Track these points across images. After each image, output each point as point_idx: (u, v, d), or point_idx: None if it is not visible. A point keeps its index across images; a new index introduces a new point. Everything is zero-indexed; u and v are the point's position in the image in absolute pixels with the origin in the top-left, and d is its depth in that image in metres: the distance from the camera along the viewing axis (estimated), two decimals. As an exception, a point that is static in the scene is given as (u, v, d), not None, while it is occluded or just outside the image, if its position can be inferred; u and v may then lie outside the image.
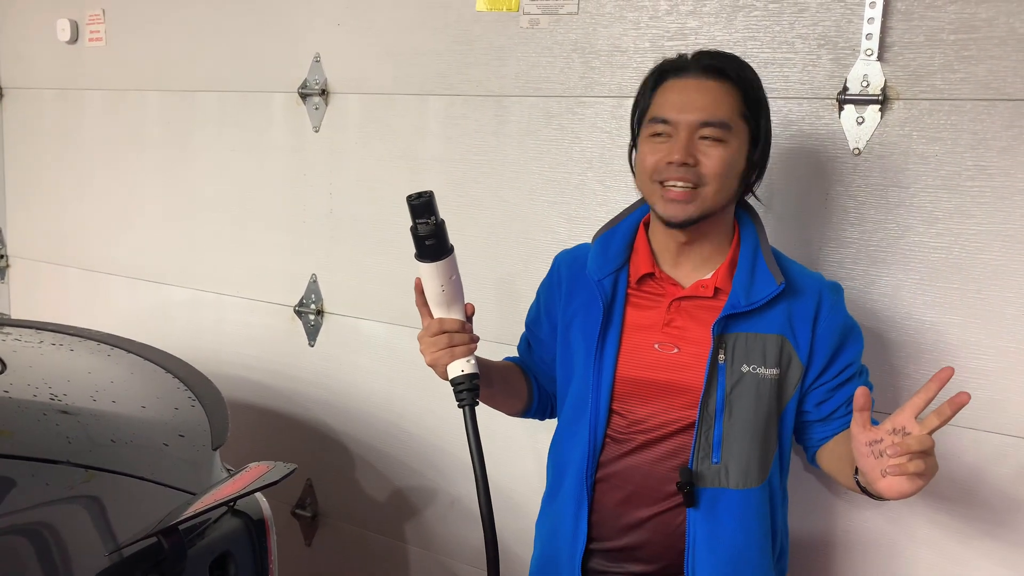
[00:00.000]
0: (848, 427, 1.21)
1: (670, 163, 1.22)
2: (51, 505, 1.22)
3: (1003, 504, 1.49)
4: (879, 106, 1.51)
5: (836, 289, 1.31)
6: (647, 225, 1.36)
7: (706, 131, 1.21)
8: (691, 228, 1.26)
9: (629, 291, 1.33)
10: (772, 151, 1.32)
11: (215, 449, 1.54)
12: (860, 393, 1.10)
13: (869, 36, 1.50)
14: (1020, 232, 1.44)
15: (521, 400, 1.48)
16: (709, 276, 1.29)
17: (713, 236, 1.29)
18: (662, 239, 1.32)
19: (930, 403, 1.09)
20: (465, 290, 1.28)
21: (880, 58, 1.50)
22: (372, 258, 2.16)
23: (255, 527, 1.44)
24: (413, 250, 1.22)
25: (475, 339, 1.28)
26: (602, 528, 1.32)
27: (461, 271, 1.26)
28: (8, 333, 1.83)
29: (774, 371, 1.25)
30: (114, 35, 2.58)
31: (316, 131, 2.20)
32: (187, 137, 2.46)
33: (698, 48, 1.30)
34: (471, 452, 1.25)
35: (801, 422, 1.33)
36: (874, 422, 1.13)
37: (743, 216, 1.33)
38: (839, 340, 1.28)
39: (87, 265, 2.75)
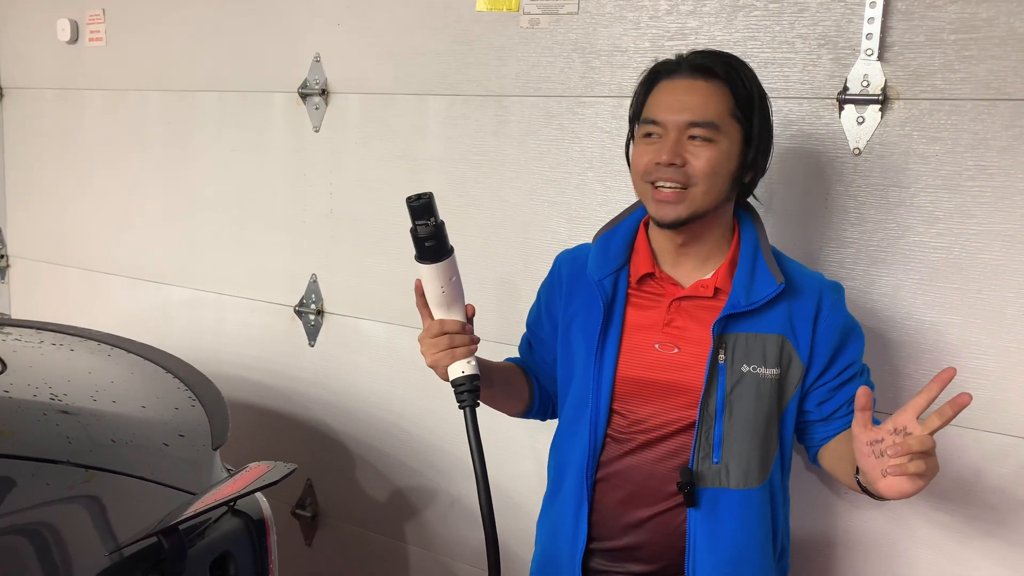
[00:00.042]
0: (849, 427, 1.21)
1: (658, 164, 1.22)
2: (51, 505, 1.22)
3: (1004, 504, 1.49)
4: (879, 106, 1.51)
5: (837, 289, 1.31)
6: (647, 225, 1.36)
7: (694, 131, 1.21)
8: (685, 228, 1.26)
9: (629, 291, 1.33)
10: (772, 151, 1.31)
11: (215, 449, 1.54)
12: (861, 393, 1.10)
13: (869, 36, 1.50)
14: (1020, 232, 1.44)
15: (522, 401, 1.48)
16: (709, 276, 1.29)
17: (710, 236, 1.29)
18: (661, 239, 1.32)
19: (932, 403, 1.09)
20: (465, 290, 1.28)
21: (880, 58, 1.50)
22: (372, 258, 2.16)
23: (255, 527, 1.44)
24: (413, 251, 1.22)
25: (476, 340, 1.28)
26: (602, 528, 1.32)
27: (461, 271, 1.26)
28: (8, 333, 1.83)
29: (774, 371, 1.25)
30: (114, 35, 2.58)
31: (316, 131, 2.20)
32: (187, 137, 2.46)
33: (698, 48, 1.30)
34: (472, 453, 1.25)
35: (802, 422, 1.32)
36: (876, 422, 1.13)
37: (743, 216, 1.33)
38: (840, 340, 1.28)
39: (87, 265, 2.75)
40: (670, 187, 1.22)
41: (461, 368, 1.26)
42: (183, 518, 1.22)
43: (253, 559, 1.43)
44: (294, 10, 2.20)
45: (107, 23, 2.58)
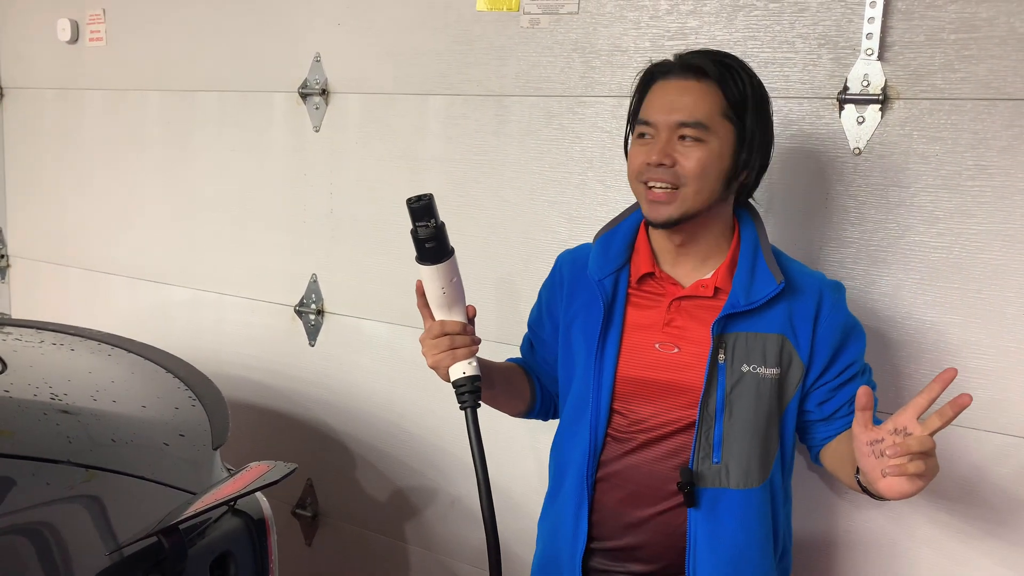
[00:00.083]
0: (851, 427, 1.21)
1: (649, 164, 1.23)
2: (52, 505, 1.22)
3: (1004, 504, 1.49)
4: (879, 106, 1.51)
5: (837, 288, 1.31)
6: (648, 225, 1.36)
7: (684, 131, 1.21)
8: (681, 228, 1.26)
9: (630, 291, 1.33)
10: (773, 151, 1.31)
11: (215, 449, 1.54)
12: (862, 392, 1.10)
13: (870, 36, 1.50)
14: (1021, 232, 1.44)
15: (524, 401, 1.48)
16: (709, 276, 1.29)
17: (708, 236, 1.29)
18: (660, 239, 1.32)
19: (933, 404, 1.09)
20: (466, 290, 1.28)
21: (880, 58, 1.50)
22: (372, 258, 2.16)
23: (256, 527, 1.44)
24: (414, 251, 1.22)
25: (477, 341, 1.28)
26: (603, 528, 1.32)
27: (461, 271, 1.26)
28: (9, 333, 1.83)
29: (774, 371, 1.25)
30: (114, 35, 2.58)
31: (316, 131, 2.20)
32: (187, 137, 2.46)
33: (698, 48, 1.30)
34: (473, 454, 1.25)
35: (803, 422, 1.32)
36: (877, 421, 1.13)
37: (744, 215, 1.33)
38: (840, 339, 1.28)
39: (87, 265, 2.76)
40: (661, 187, 1.23)
41: (462, 369, 1.26)
42: (183, 518, 1.22)
43: (253, 559, 1.43)
44: (294, 10, 2.20)
45: (107, 23, 2.58)
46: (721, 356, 1.24)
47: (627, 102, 1.33)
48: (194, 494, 1.36)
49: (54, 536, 1.19)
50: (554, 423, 1.46)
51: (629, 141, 1.31)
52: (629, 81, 1.74)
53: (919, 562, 1.57)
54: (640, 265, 1.32)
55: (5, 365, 1.55)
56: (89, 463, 1.30)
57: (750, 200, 1.35)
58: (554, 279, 1.45)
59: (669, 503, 1.27)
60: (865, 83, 1.52)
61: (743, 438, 1.25)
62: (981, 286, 1.47)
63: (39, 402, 1.43)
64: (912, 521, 1.56)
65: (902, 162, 1.51)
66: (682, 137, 1.22)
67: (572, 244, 1.48)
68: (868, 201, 1.54)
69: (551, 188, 1.88)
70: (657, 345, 1.29)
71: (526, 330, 1.54)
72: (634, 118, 1.30)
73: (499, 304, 1.96)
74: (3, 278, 2.99)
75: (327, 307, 2.26)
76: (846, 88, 1.53)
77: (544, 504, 1.43)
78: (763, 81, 1.28)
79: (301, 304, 2.29)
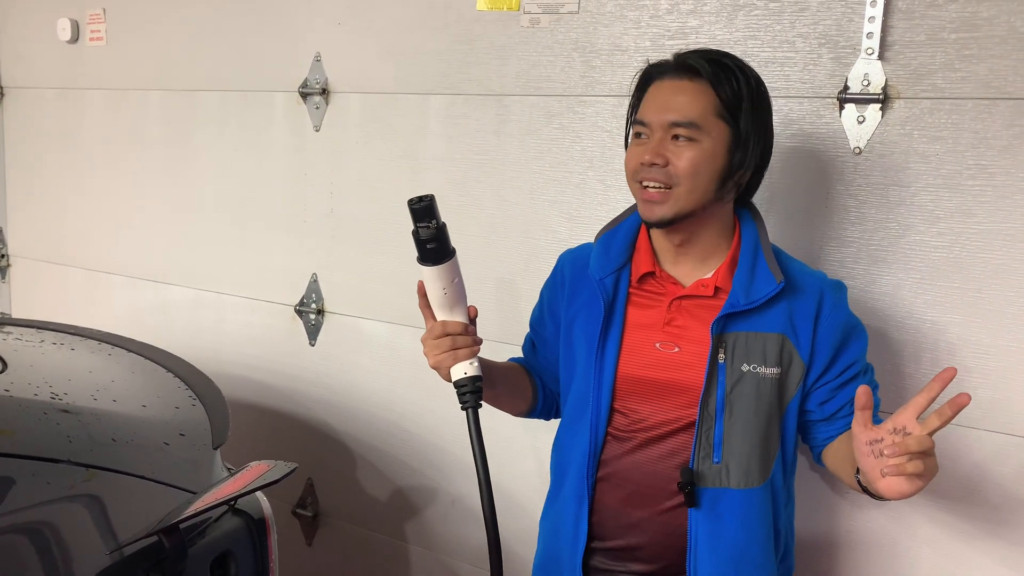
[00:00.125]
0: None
1: (642, 164, 1.23)
2: (52, 504, 1.22)
3: (1005, 503, 1.49)
4: (880, 105, 1.51)
5: (839, 287, 1.31)
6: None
7: (677, 131, 1.22)
8: (678, 228, 1.26)
9: (631, 290, 1.33)
10: (773, 150, 1.31)
11: (216, 448, 1.54)
12: (861, 392, 1.10)
13: (870, 35, 1.50)
14: (1021, 231, 1.44)
15: (525, 401, 1.48)
16: (710, 275, 1.29)
17: (707, 236, 1.29)
18: (660, 239, 1.32)
19: (932, 403, 1.09)
20: (467, 290, 1.28)
21: (881, 57, 1.50)
22: (373, 257, 2.16)
23: (256, 526, 1.44)
24: (414, 249, 1.22)
25: (478, 341, 1.28)
26: (603, 527, 1.32)
27: (462, 271, 1.26)
28: (9, 332, 1.83)
29: (775, 370, 1.25)
30: (115, 35, 2.58)
31: (317, 130, 2.20)
32: (188, 136, 2.46)
33: (699, 47, 1.30)
34: (474, 455, 1.25)
35: (805, 422, 1.32)
36: (878, 421, 1.13)
37: (744, 215, 1.33)
38: (841, 339, 1.27)
39: (88, 264, 2.76)
40: (654, 187, 1.23)
41: (464, 369, 1.26)
42: (184, 517, 1.22)
43: (254, 558, 1.43)
44: (295, 10, 2.20)
45: (108, 23, 2.58)
46: (721, 356, 1.24)
47: (627, 101, 1.33)
48: (194, 493, 1.36)
49: (54, 535, 1.19)
50: (555, 423, 1.46)
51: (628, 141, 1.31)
52: (629, 80, 1.74)
53: (920, 562, 1.57)
54: (641, 264, 1.32)
55: (5, 364, 1.55)
56: (89, 462, 1.30)
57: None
58: (555, 278, 1.45)
59: (670, 503, 1.27)
60: (866, 82, 1.52)
61: (743, 438, 1.25)
62: (982, 285, 1.47)
63: (39, 401, 1.43)
64: (914, 521, 1.56)
65: (902, 161, 1.51)
66: (675, 137, 1.22)
67: (573, 243, 1.48)
68: (868, 200, 1.54)
69: (552, 187, 1.88)
70: (657, 344, 1.29)
71: (527, 330, 1.54)
72: (632, 118, 1.30)
73: (499, 304, 1.96)
74: (3, 278, 2.99)
75: (327, 307, 2.26)
76: (846, 87, 1.53)
77: (545, 503, 1.43)
78: (764, 80, 1.27)
79: (301, 304, 2.29)
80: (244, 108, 2.33)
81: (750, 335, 1.25)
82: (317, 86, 2.17)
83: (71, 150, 2.74)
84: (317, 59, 2.17)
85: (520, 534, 1.93)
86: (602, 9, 1.77)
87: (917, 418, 1.08)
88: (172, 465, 1.43)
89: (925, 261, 1.51)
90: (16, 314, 2.96)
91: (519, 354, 1.56)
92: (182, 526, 1.24)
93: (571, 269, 1.41)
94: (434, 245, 1.20)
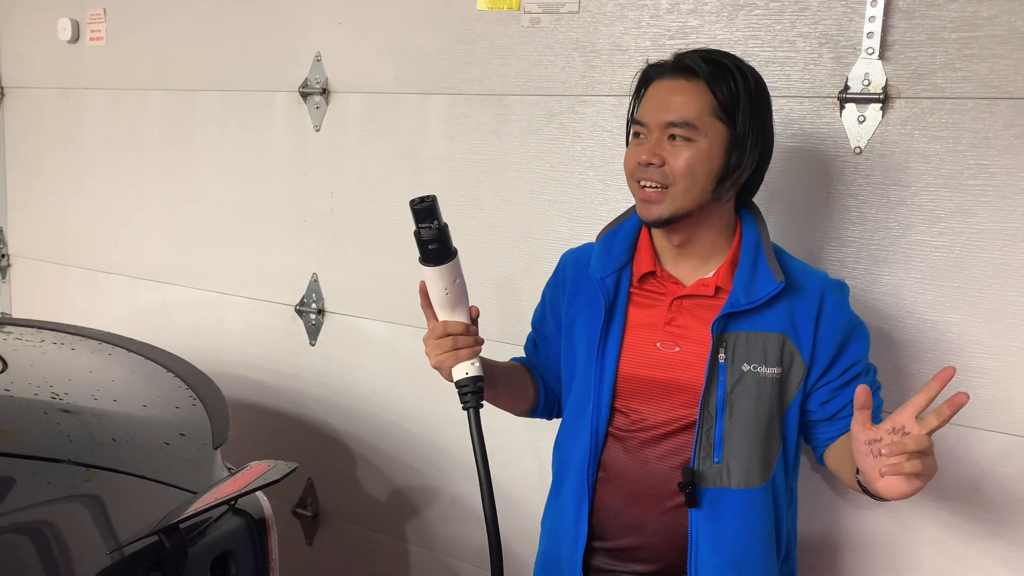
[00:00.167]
0: (853, 427, 1.21)
1: (639, 163, 1.23)
2: (52, 504, 1.22)
3: (1007, 503, 1.49)
4: (880, 105, 1.51)
5: (840, 287, 1.31)
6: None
7: (674, 131, 1.22)
8: (676, 228, 1.26)
9: (632, 290, 1.33)
10: (773, 150, 1.31)
11: (216, 448, 1.54)
12: (860, 391, 1.10)
13: (870, 35, 1.50)
14: (1022, 231, 1.44)
15: (527, 400, 1.48)
16: (710, 275, 1.29)
17: (707, 236, 1.29)
18: (661, 239, 1.32)
19: (932, 402, 1.09)
20: (468, 291, 1.28)
21: (881, 57, 1.50)
22: (373, 257, 2.16)
23: (256, 526, 1.44)
24: (414, 249, 1.22)
25: (480, 342, 1.28)
26: (604, 527, 1.32)
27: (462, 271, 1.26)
28: (9, 332, 1.83)
29: (775, 370, 1.25)
30: (115, 34, 2.58)
31: (317, 130, 2.20)
32: (188, 136, 2.46)
33: (699, 47, 1.30)
34: (475, 455, 1.25)
35: (807, 422, 1.32)
36: (878, 421, 1.13)
37: (746, 215, 1.33)
38: (842, 338, 1.27)
39: (88, 264, 2.76)
40: (651, 187, 1.23)
41: (465, 369, 1.26)
42: (184, 517, 1.22)
43: (254, 558, 1.43)
44: (295, 10, 2.20)
45: (108, 22, 2.58)
46: (721, 355, 1.24)
47: (628, 101, 1.34)
48: (195, 493, 1.36)
49: (55, 535, 1.19)
50: (556, 422, 1.46)
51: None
52: (630, 80, 1.73)
53: (922, 562, 1.56)
54: (642, 264, 1.32)
55: (6, 364, 1.55)
56: (90, 462, 1.30)
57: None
58: (557, 278, 1.45)
59: (670, 503, 1.27)
60: (866, 82, 1.52)
61: (744, 438, 1.25)
62: (982, 285, 1.47)
63: (40, 401, 1.43)
64: (916, 522, 1.56)
65: (903, 161, 1.51)
66: (672, 137, 1.22)
67: (573, 243, 1.49)
68: (869, 200, 1.54)
69: (552, 187, 1.87)
70: (658, 344, 1.29)
71: (527, 330, 1.54)
72: (631, 118, 1.30)
73: (500, 303, 1.96)
74: (3, 277, 2.99)
75: (328, 306, 2.25)
76: (847, 87, 1.53)
77: (547, 503, 1.43)
78: (765, 80, 1.27)
79: (302, 303, 2.29)
80: (244, 108, 2.33)
81: (750, 335, 1.25)
82: (317, 86, 2.17)
83: (71, 150, 2.73)
84: (317, 59, 2.17)
85: (520, 534, 1.93)
86: (602, 9, 1.77)
87: (916, 418, 1.08)
88: (172, 465, 1.43)
89: (926, 261, 1.51)
90: (16, 314, 2.96)
91: (520, 354, 1.56)
92: (182, 526, 1.24)
93: (573, 269, 1.41)
94: (436, 246, 1.20)
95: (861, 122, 1.53)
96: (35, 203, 2.87)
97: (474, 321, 1.29)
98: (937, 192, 1.49)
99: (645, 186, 1.24)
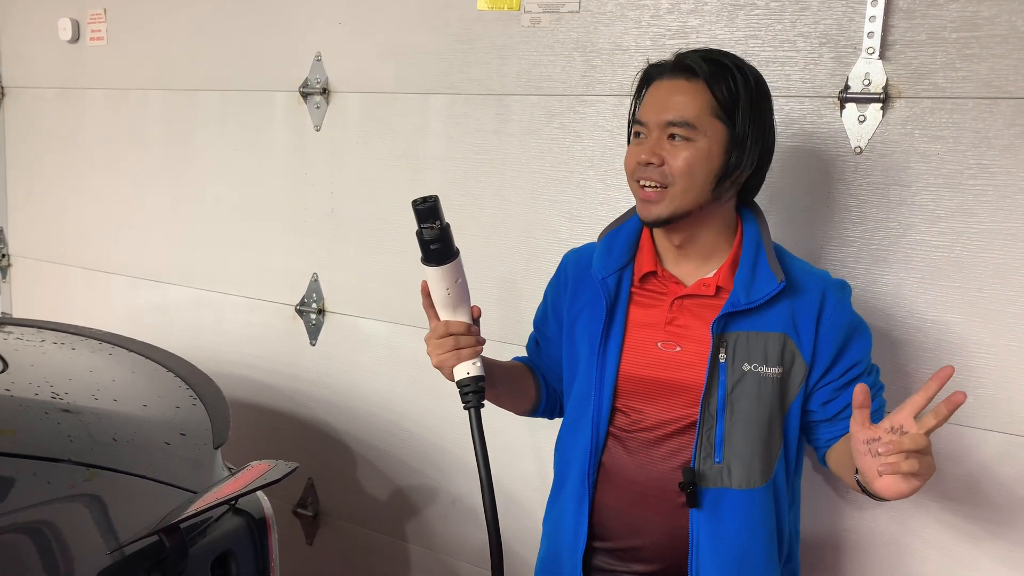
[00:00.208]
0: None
1: (638, 163, 1.23)
2: (53, 504, 1.22)
3: (1008, 503, 1.49)
4: (881, 104, 1.51)
5: (842, 287, 1.30)
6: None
7: (673, 130, 1.22)
8: (676, 228, 1.26)
9: (633, 289, 1.33)
10: (772, 150, 1.31)
11: (216, 448, 1.53)
12: (859, 390, 1.10)
13: (871, 34, 1.50)
14: (1022, 231, 1.44)
15: (529, 400, 1.48)
16: (711, 275, 1.29)
17: (708, 235, 1.29)
18: (662, 238, 1.32)
19: (931, 402, 1.09)
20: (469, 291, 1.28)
21: (882, 56, 1.50)
22: (373, 257, 2.16)
23: (256, 526, 1.44)
24: (415, 249, 1.22)
25: (481, 341, 1.28)
26: (604, 527, 1.32)
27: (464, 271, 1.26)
28: (10, 332, 1.83)
29: (776, 370, 1.25)
30: (115, 34, 2.58)
31: (317, 130, 2.20)
32: (188, 136, 2.46)
33: (699, 47, 1.30)
34: (476, 455, 1.25)
35: (808, 422, 1.32)
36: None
37: (747, 214, 1.33)
38: (844, 338, 1.27)
39: (88, 264, 2.76)
40: (651, 186, 1.23)
41: (466, 369, 1.26)
42: (184, 516, 1.22)
43: (254, 558, 1.43)
44: (295, 10, 2.20)
45: (108, 22, 2.58)
46: (722, 355, 1.24)
47: (628, 101, 1.34)
48: (195, 493, 1.36)
49: (55, 535, 1.19)
50: (557, 422, 1.46)
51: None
52: (630, 80, 1.74)
53: (924, 562, 1.56)
54: (643, 264, 1.32)
55: (6, 364, 1.55)
56: (90, 462, 1.30)
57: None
58: (559, 278, 1.45)
59: (671, 503, 1.27)
60: (866, 82, 1.52)
61: (745, 438, 1.24)
62: (983, 285, 1.47)
63: (40, 401, 1.43)
64: (917, 522, 1.56)
65: (903, 161, 1.51)
66: (672, 136, 1.22)
67: (573, 243, 1.49)
68: (869, 200, 1.54)
69: (552, 187, 1.87)
70: (659, 344, 1.29)
71: (528, 329, 1.54)
72: (632, 118, 1.30)
73: (501, 303, 1.96)
74: (4, 277, 2.99)
75: (328, 306, 2.25)
76: (847, 87, 1.53)
77: (548, 503, 1.43)
78: (765, 80, 1.27)
79: (302, 303, 2.29)
80: (244, 108, 2.33)
81: (751, 334, 1.25)
82: (317, 86, 2.17)
83: (71, 150, 2.73)
84: (317, 59, 2.17)
85: (521, 534, 1.93)
86: (603, 8, 1.77)
87: (914, 417, 1.08)
88: (173, 465, 1.43)
89: (926, 261, 1.51)
90: (16, 314, 2.96)
91: (520, 353, 1.56)
92: (183, 526, 1.24)
93: (574, 268, 1.41)
94: (438, 246, 1.20)
95: (861, 122, 1.53)
96: (35, 203, 2.88)
97: (476, 321, 1.29)
98: (937, 192, 1.49)
99: (645, 186, 1.24)
